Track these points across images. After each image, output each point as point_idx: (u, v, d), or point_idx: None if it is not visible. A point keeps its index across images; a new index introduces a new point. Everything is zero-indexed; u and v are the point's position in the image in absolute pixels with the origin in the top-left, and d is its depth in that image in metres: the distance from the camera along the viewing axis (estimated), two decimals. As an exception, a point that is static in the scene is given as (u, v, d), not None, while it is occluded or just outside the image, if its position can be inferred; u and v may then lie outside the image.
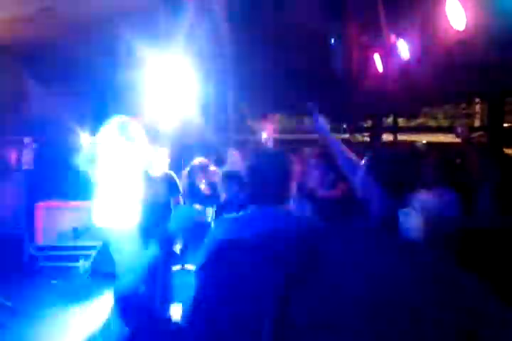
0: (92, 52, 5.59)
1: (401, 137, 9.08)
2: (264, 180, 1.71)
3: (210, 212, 4.55)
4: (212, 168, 5.07)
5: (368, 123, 9.75)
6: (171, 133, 4.99)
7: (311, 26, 5.36)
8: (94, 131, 3.81)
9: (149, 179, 4.29)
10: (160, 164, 4.41)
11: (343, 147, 2.07)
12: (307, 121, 9.51)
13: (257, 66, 6.38)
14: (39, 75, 5.71)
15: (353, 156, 2.03)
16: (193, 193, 4.84)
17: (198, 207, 4.55)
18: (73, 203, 5.68)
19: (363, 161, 1.79)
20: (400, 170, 1.66)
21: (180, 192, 4.66)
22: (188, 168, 4.98)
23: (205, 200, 4.69)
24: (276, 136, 7.64)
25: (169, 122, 5.10)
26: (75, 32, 5.28)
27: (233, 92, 6.56)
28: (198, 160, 5.01)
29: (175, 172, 4.68)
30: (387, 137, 9.07)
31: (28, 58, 5.67)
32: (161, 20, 4.96)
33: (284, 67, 6.62)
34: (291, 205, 1.89)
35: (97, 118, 4.18)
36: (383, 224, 1.60)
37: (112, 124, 3.25)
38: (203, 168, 4.91)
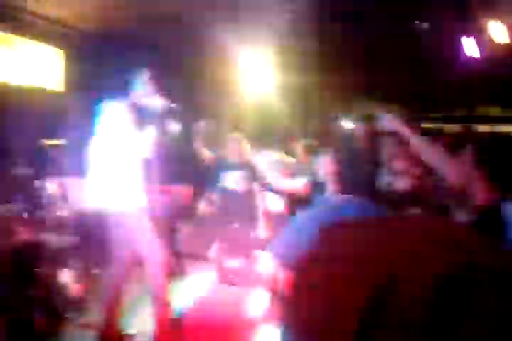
0: (183, 40, 5.78)
1: (496, 128, 8.46)
2: (356, 171, 1.81)
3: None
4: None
5: (459, 113, 9.20)
6: (251, 121, 5.06)
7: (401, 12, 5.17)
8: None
9: (228, 166, 4.39)
10: (241, 151, 4.43)
11: (426, 142, 1.97)
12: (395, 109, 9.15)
13: (343, 53, 6.26)
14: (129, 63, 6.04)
15: (439, 150, 1.93)
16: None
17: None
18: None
19: (465, 154, 1.72)
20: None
21: (261, 180, 4.61)
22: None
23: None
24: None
25: (249, 110, 5.17)
26: (164, 20, 5.51)
27: (315, 79, 6.51)
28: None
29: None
30: (481, 128, 8.50)
31: (120, 46, 5.94)
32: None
33: (372, 54, 6.44)
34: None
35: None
36: (485, 217, 1.56)
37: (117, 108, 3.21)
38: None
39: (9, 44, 5.09)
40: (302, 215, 1.89)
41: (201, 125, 4.23)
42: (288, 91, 6.12)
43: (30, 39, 5.34)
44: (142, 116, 3.03)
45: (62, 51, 5.88)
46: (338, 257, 1.02)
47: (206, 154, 4.46)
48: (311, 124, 6.84)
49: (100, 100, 3.10)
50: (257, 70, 5.40)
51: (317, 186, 3.66)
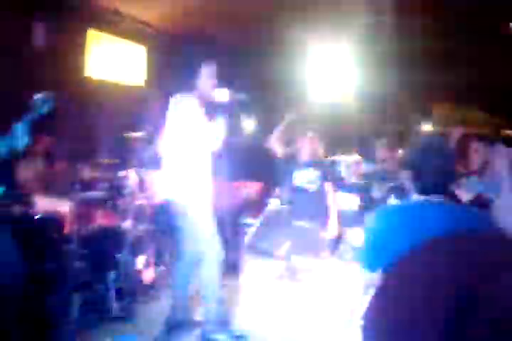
0: (263, 41, 5.85)
1: None
2: (429, 170, 1.76)
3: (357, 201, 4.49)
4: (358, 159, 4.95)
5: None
6: (326, 120, 5.00)
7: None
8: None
9: (300, 164, 4.39)
10: (314, 150, 4.42)
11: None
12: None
13: (423, 53, 6.05)
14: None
15: None
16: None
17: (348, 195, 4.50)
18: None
19: None
20: None
21: (334, 181, 4.55)
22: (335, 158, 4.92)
23: (354, 190, 4.62)
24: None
25: (326, 109, 5.12)
26: (245, 21, 5.60)
27: (393, 79, 6.32)
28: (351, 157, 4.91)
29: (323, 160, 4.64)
30: None
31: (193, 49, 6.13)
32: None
33: (453, 55, 6.17)
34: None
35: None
36: None
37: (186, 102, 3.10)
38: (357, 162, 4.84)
39: (101, 42, 5.41)
40: (388, 218, 1.82)
41: (278, 121, 4.25)
42: (366, 92, 6.00)
43: (119, 37, 5.65)
44: (213, 109, 3.06)
45: (144, 49, 6.16)
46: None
47: (280, 150, 4.48)
48: (390, 126, 6.64)
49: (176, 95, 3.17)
50: (335, 70, 5.34)
51: (397, 189, 3.58)
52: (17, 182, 3.73)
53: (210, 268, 3.03)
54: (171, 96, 3.11)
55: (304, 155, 4.38)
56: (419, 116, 6.92)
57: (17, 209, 3.62)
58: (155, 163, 4.52)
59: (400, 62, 5.96)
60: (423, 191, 1.79)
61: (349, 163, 5.01)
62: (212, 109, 3.09)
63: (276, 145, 4.44)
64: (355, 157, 5.04)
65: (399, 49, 5.71)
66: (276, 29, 5.43)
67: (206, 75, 3.07)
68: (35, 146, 4.00)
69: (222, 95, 3.06)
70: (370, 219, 1.89)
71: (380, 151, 4.61)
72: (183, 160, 3.03)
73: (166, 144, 3.13)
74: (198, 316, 3.31)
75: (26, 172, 3.78)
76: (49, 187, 3.91)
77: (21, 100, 2.80)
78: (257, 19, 5.39)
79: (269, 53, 5.90)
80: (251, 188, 4.80)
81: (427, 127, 6.87)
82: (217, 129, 3.06)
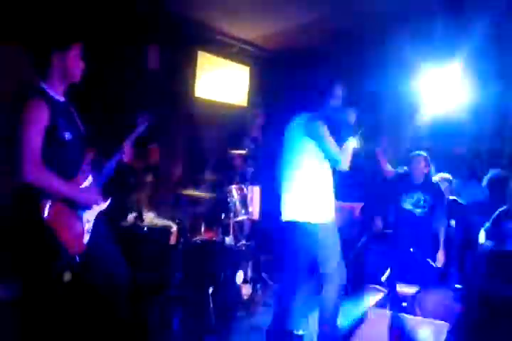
0: (365, 61, 5.74)
1: None
2: None
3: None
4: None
5: None
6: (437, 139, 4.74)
7: None
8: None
9: (409, 186, 4.18)
10: (424, 171, 4.19)
11: None
12: None
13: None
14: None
15: None
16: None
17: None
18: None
19: None
20: None
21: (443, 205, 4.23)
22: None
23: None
24: None
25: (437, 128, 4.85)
26: (346, 41, 5.55)
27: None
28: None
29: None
30: None
31: (301, 68, 6.20)
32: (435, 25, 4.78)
33: None
34: None
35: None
36: None
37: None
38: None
39: (209, 63, 5.67)
40: None
41: (384, 140, 4.12)
42: (479, 108, 5.58)
43: (224, 58, 5.87)
44: (334, 128, 3.01)
45: (249, 69, 6.33)
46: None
47: (389, 170, 4.32)
48: (508, 146, 6.07)
49: (286, 114, 3.18)
50: (444, 84, 5.07)
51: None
52: (129, 200, 3.98)
53: (334, 291, 2.97)
54: (281, 115, 3.15)
55: (414, 175, 4.19)
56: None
57: (128, 221, 3.85)
58: (256, 179, 4.60)
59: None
60: None
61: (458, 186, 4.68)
62: (340, 128, 3.04)
63: (384, 164, 4.30)
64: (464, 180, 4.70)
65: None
66: (383, 49, 5.29)
67: (335, 95, 3.04)
68: (148, 158, 4.26)
69: (350, 115, 3.02)
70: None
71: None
72: (311, 180, 3.00)
73: (285, 162, 3.13)
74: (299, 331, 3.25)
75: (139, 194, 4.02)
76: (156, 203, 4.12)
77: (134, 119, 2.98)
78: (359, 36, 5.29)
79: (371, 69, 5.76)
80: (356, 209, 4.67)
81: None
82: (347, 150, 2.98)
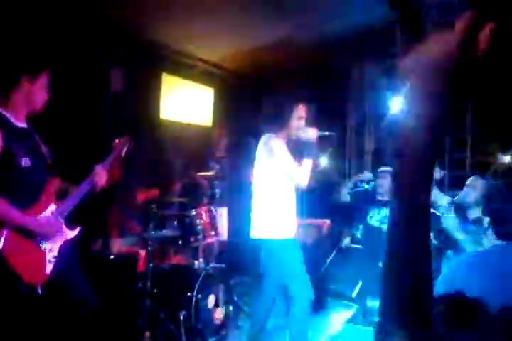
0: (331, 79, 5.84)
1: None
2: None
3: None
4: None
5: None
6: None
7: None
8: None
9: (376, 202, 4.24)
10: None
11: None
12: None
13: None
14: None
15: None
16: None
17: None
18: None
19: None
20: None
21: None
22: None
23: None
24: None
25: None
26: (312, 58, 5.66)
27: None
28: None
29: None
30: None
31: (265, 88, 6.27)
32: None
33: None
34: None
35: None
36: None
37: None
38: None
39: (174, 85, 5.67)
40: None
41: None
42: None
43: (189, 80, 5.90)
44: (299, 148, 3.08)
45: (213, 90, 6.37)
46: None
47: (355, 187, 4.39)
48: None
49: (250, 135, 3.23)
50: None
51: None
52: (96, 224, 3.88)
53: (300, 313, 2.99)
54: (244, 135, 3.19)
55: (380, 191, 4.25)
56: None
57: (95, 249, 3.75)
58: (223, 200, 4.58)
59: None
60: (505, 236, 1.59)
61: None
62: (300, 147, 3.09)
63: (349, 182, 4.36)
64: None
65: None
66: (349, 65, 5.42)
67: (297, 116, 3.10)
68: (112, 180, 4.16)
69: (311, 134, 3.07)
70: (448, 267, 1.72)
71: None
72: (272, 197, 3.08)
73: (254, 182, 3.19)
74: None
75: (105, 220, 3.93)
76: (123, 228, 4.04)
77: (101, 143, 2.94)
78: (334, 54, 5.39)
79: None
80: (321, 225, 4.70)
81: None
82: (305, 168, 3.04)
